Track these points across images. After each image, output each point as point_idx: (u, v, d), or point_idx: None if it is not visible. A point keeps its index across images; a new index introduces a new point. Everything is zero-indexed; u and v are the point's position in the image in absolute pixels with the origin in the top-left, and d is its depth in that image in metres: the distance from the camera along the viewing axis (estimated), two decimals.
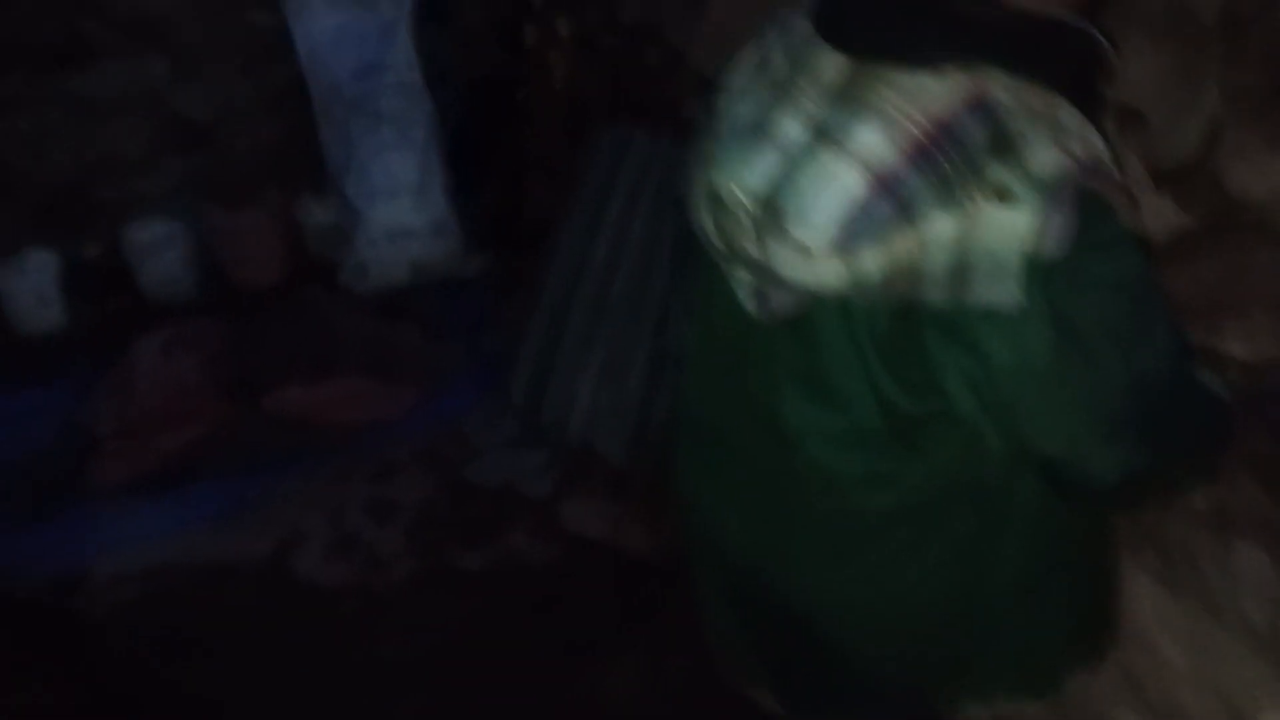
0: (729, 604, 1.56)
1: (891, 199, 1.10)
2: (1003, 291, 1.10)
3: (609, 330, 2.96)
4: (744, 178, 1.22)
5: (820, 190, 1.14)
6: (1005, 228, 1.08)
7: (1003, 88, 1.11)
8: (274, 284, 3.99)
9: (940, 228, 1.09)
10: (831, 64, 1.18)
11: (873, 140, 1.11)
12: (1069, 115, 1.12)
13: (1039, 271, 1.08)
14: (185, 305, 3.94)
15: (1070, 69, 1.16)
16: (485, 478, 2.90)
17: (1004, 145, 1.08)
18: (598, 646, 2.30)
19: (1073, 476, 1.23)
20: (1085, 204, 1.08)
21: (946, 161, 1.09)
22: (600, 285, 3.02)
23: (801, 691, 1.54)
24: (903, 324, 1.17)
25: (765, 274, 1.23)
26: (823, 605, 1.41)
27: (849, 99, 1.15)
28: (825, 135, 1.15)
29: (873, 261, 1.13)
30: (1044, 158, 1.07)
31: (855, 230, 1.12)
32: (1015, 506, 1.31)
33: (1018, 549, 1.34)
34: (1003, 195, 1.07)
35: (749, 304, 1.28)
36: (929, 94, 1.11)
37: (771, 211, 1.18)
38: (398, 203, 3.71)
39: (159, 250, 3.94)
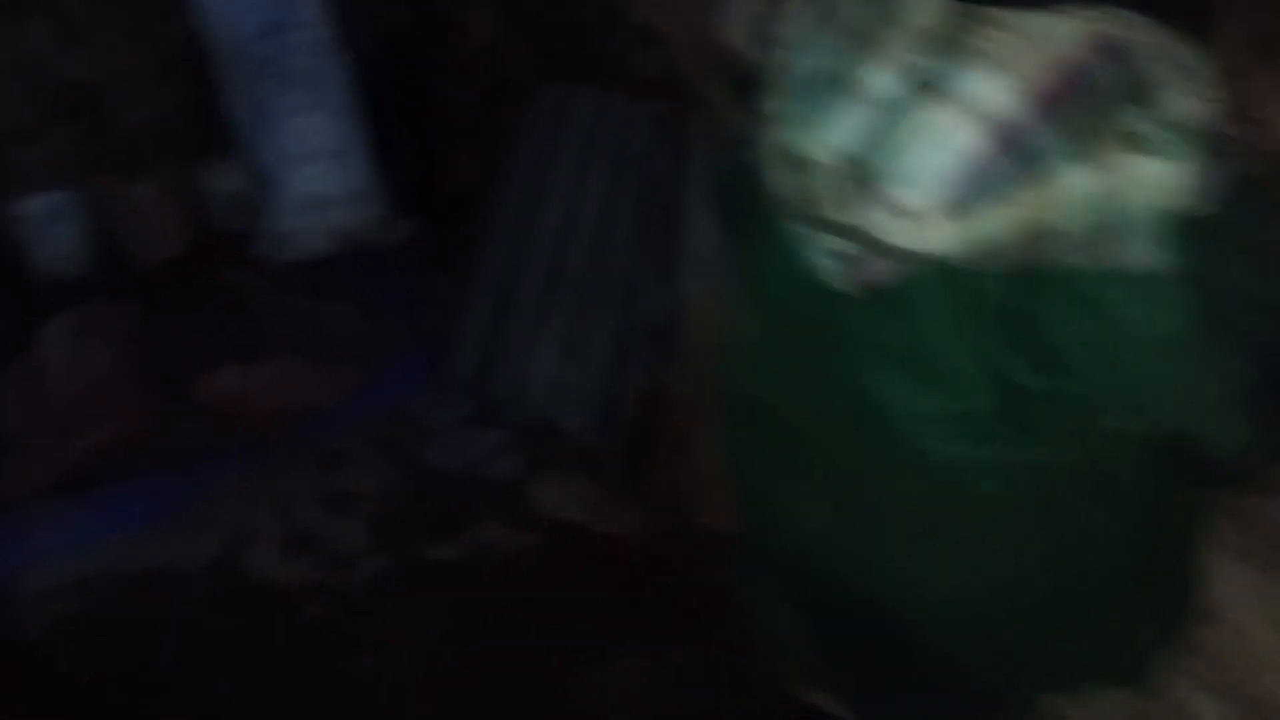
0: (795, 603, 1.43)
1: (1016, 154, 0.99)
2: (1142, 251, 1.00)
3: (566, 301, 2.78)
4: (827, 136, 1.09)
5: (927, 146, 1.02)
6: (1146, 181, 0.98)
7: (1129, 28, 1.00)
8: (178, 257, 3.67)
9: (1074, 183, 0.99)
10: (926, 7, 1.06)
11: (989, 90, 1.00)
12: (1195, 59, 1.01)
13: (1182, 228, 0.99)
14: (83, 284, 3.58)
15: (1185, 9, 1.06)
16: (445, 461, 2.71)
17: (1139, 91, 0.98)
18: (592, 643, 2.15)
19: (1201, 452, 1.14)
20: (1225, 154, 0.99)
21: (1077, 110, 0.98)
22: (552, 254, 2.83)
23: (878, 695, 1.42)
24: (1020, 291, 1.05)
25: (856, 239, 1.09)
26: (913, 601, 1.29)
27: (954, 45, 1.03)
28: (928, 86, 1.03)
29: (994, 223, 1.02)
30: (1183, 104, 0.98)
31: (973, 189, 1.01)
32: (1129, 489, 1.22)
33: (1128, 534, 1.24)
34: (1142, 146, 0.97)
35: (832, 273, 1.14)
36: (1050, 36, 1.00)
37: (864, 171, 1.06)
38: (315, 168, 3.44)
39: (49, 225, 3.58)
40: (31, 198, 3.60)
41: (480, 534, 2.45)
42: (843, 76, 1.11)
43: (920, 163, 1.03)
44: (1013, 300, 1.07)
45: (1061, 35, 1.00)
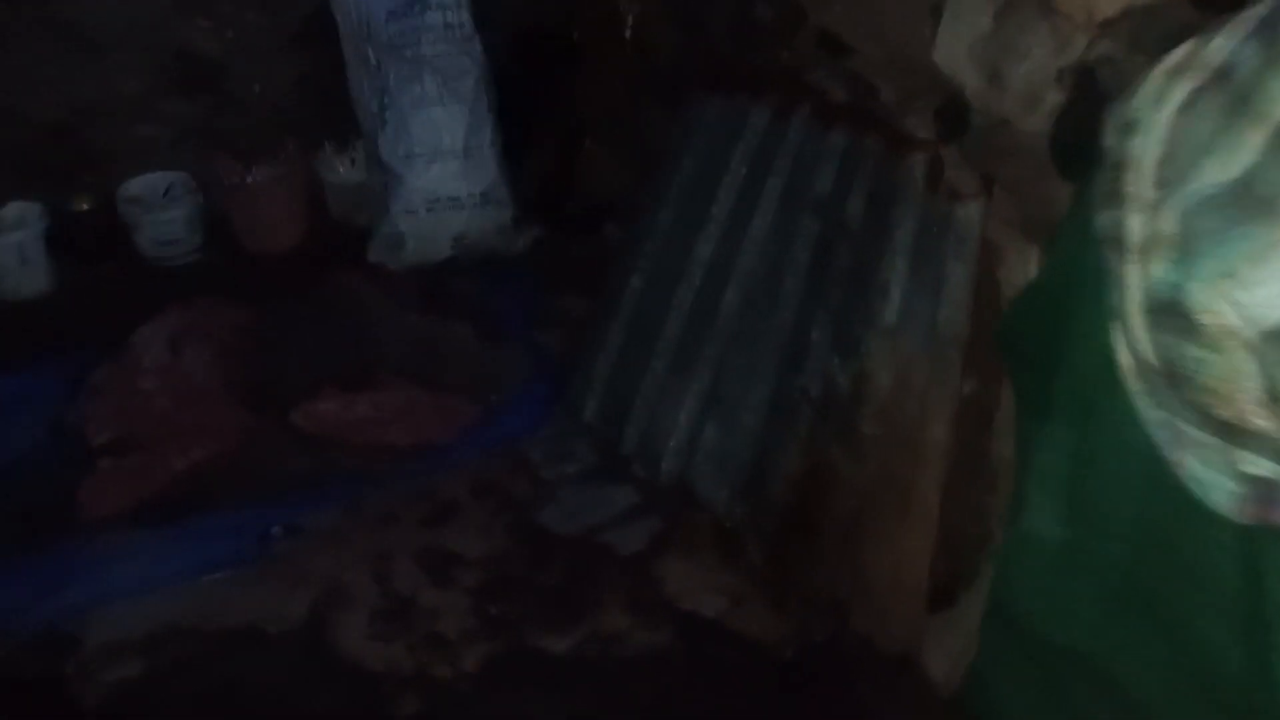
0: None
1: None
2: None
3: (714, 350, 2.38)
4: (1252, 295, 0.67)
5: None
6: None
7: None
8: (289, 252, 3.37)
9: None
10: None
11: None
12: None
13: None
14: (188, 271, 3.33)
15: None
16: (563, 524, 2.35)
17: None
18: None
19: None
20: None
21: None
22: (704, 292, 2.44)
23: None
24: None
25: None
26: None
27: None
28: None
29: None
30: None
31: None
32: None
33: None
34: None
35: (1228, 501, 0.73)
36: None
37: None
38: (440, 165, 3.09)
39: (159, 207, 3.31)
40: (144, 176, 3.33)
41: (602, 623, 2.09)
42: (1259, 185, 0.70)
43: None
44: None
45: None
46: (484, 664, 2.01)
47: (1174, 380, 0.76)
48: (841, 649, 2.02)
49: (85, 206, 3.31)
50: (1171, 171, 0.78)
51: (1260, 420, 0.71)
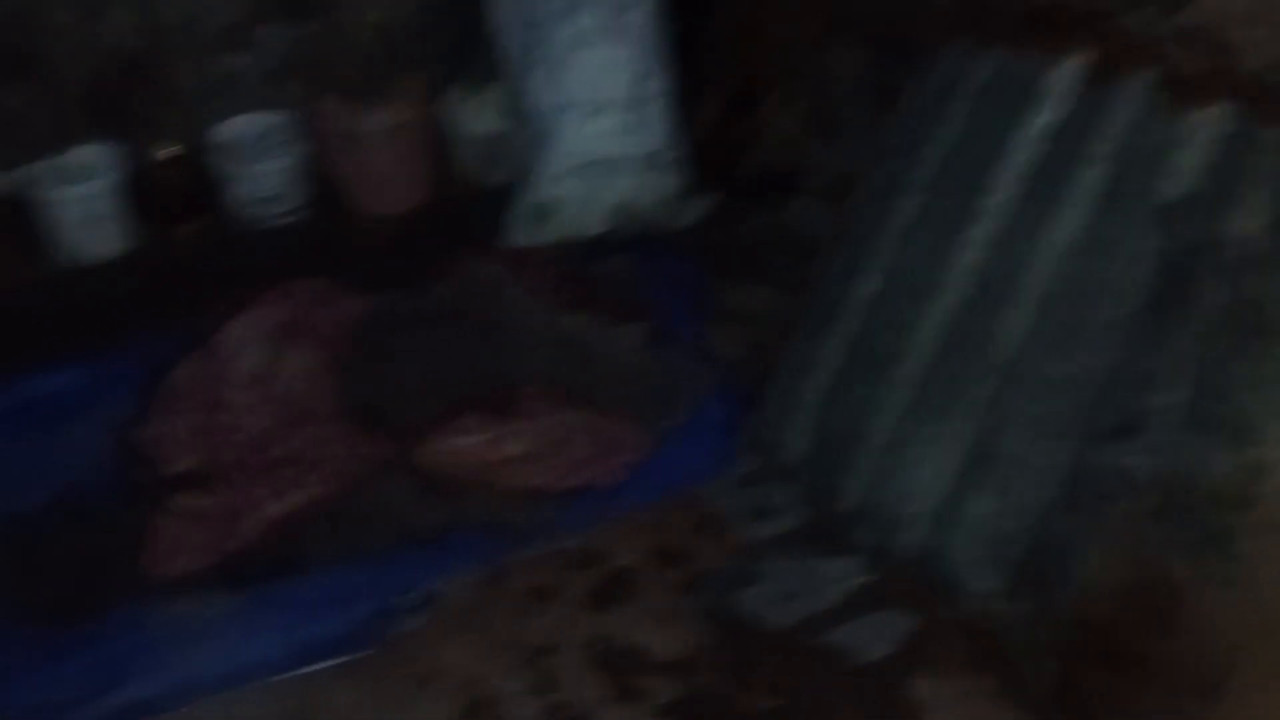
0: None
1: None
2: None
3: (984, 391, 1.75)
4: None
5: None
6: None
7: None
8: (407, 215, 2.80)
9: None
10: None
11: None
12: None
13: None
14: (287, 235, 2.77)
15: None
16: (772, 612, 1.75)
17: None
18: None
19: None
20: None
21: None
22: (970, 312, 1.80)
23: None
24: None
25: None
26: None
27: None
28: None
29: None
30: None
31: None
32: None
33: None
34: None
35: None
36: None
37: None
38: (603, 120, 2.47)
39: (254, 156, 2.74)
40: (237, 120, 2.77)
41: None
42: None
43: None
44: None
45: None
46: None
47: None
48: None
49: (167, 154, 2.76)
50: None
51: None
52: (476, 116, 2.83)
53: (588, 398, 2.06)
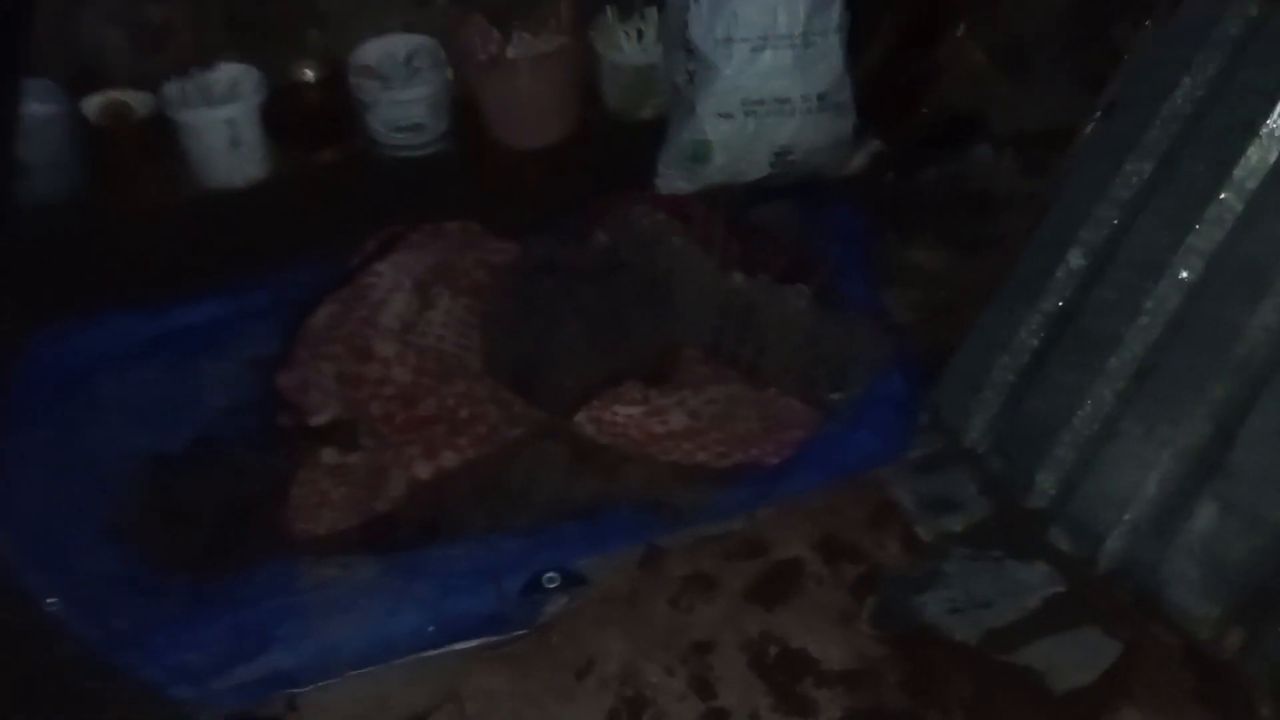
0: None
1: None
2: None
3: (1224, 392, 1.53)
4: None
5: None
6: None
7: None
8: (551, 147, 2.64)
9: None
10: None
11: None
12: None
13: None
14: (427, 165, 2.65)
15: None
16: (956, 623, 1.58)
17: None
18: None
19: None
20: None
21: None
22: (1206, 299, 1.57)
23: None
24: None
25: None
26: None
27: None
28: None
29: None
30: None
31: None
32: None
33: None
34: None
35: None
36: None
37: None
38: (773, 56, 2.26)
39: (399, 82, 2.60)
40: (381, 42, 2.63)
41: None
42: None
43: None
44: None
45: None
46: None
47: None
48: None
49: (308, 76, 2.63)
50: None
51: None
52: (628, 45, 2.64)
53: (753, 365, 1.89)
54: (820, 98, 2.32)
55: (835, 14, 2.29)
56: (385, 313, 1.83)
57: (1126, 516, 1.61)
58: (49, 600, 1.65)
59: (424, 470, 1.71)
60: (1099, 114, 1.91)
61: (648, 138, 2.54)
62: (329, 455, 1.76)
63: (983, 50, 2.50)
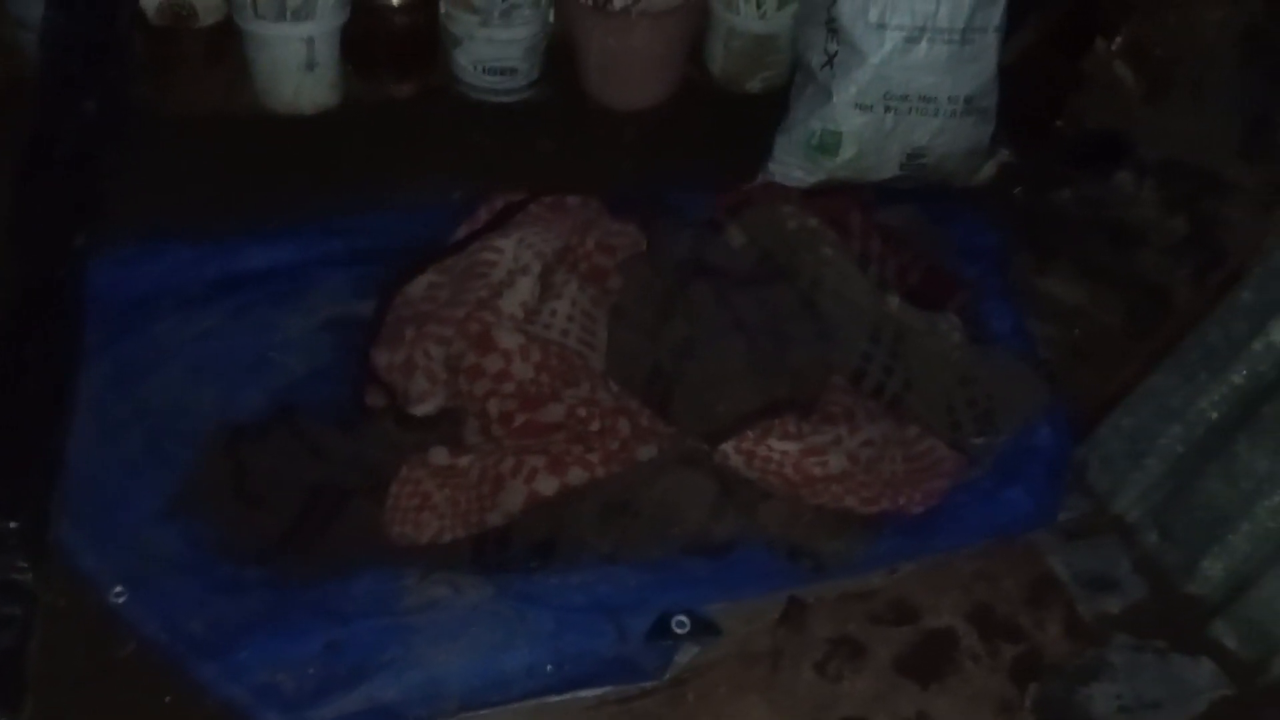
0: None
1: None
2: None
3: None
4: None
5: None
6: None
7: None
8: (647, 111, 2.42)
9: None
10: None
11: None
12: None
13: None
14: (516, 113, 2.42)
15: None
16: None
17: None
18: None
19: None
20: None
21: None
22: None
23: None
24: None
25: None
26: None
27: None
28: None
29: None
30: None
31: None
32: None
33: None
34: None
35: None
36: None
37: None
38: (927, 50, 2.06)
39: (495, 15, 2.34)
40: None
41: None
42: None
43: None
44: None
45: None
46: None
47: None
48: None
49: (396, 1, 2.37)
50: None
51: None
52: (746, 8, 2.41)
53: (897, 398, 1.71)
54: (967, 100, 2.12)
55: (999, 11, 2.09)
56: (509, 298, 1.62)
57: None
58: (115, 590, 1.44)
59: (548, 485, 1.52)
60: None
61: (755, 112, 2.34)
62: (438, 455, 1.55)
63: (1132, 68, 2.30)
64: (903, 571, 1.58)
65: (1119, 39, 2.29)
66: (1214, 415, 1.65)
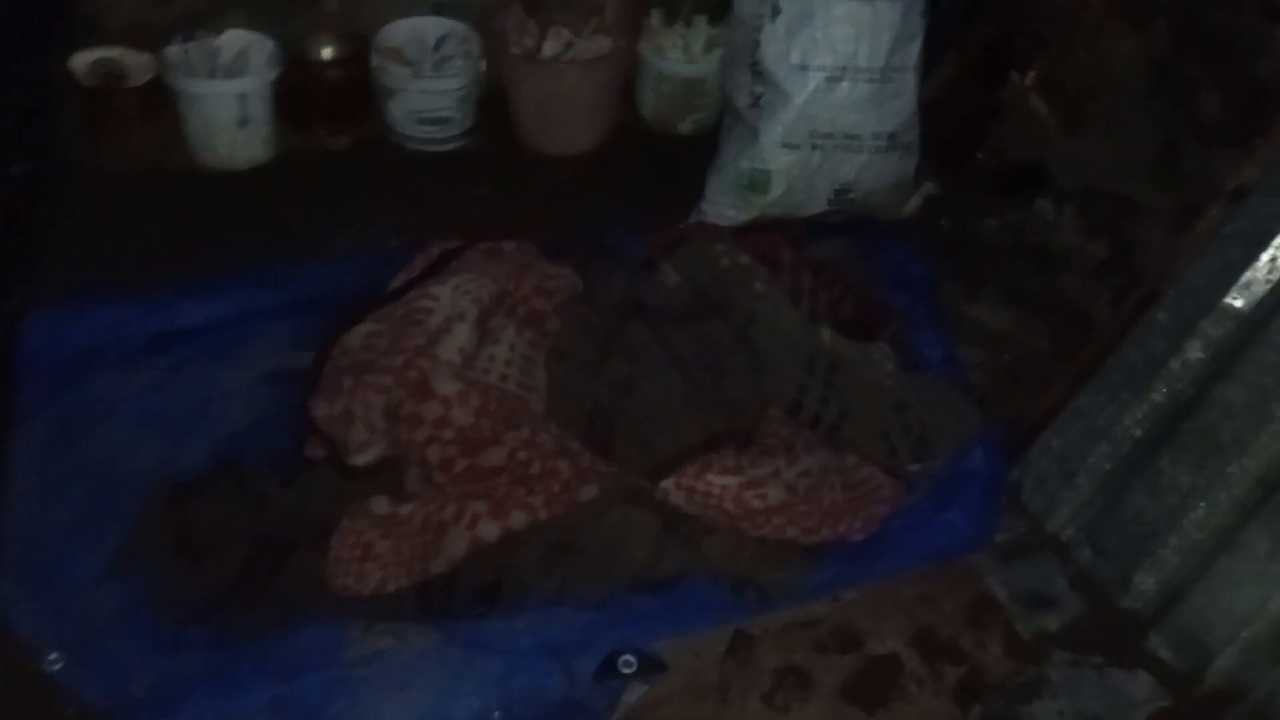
0: None
1: None
2: None
3: None
4: None
5: None
6: None
7: None
8: (581, 156, 2.44)
9: None
10: None
11: None
12: None
13: None
14: (450, 163, 2.42)
15: None
16: None
17: None
18: None
19: None
20: None
21: None
22: None
23: None
24: None
25: None
26: None
27: None
28: None
29: None
30: None
31: None
32: None
33: None
34: None
35: None
36: None
37: None
38: (849, 89, 2.10)
39: (429, 69, 2.36)
40: (410, 23, 2.38)
41: None
42: None
43: None
44: None
45: None
46: None
47: None
48: None
49: (328, 53, 2.38)
50: None
51: None
52: (675, 53, 2.44)
53: (833, 428, 1.73)
54: (891, 136, 2.16)
55: (915, 50, 2.14)
56: (447, 344, 1.61)
57: (1244, 634, 1.50)
58: (50, 657, 1.40)
59: (490, 530, 1.51)
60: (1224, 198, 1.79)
61: (687, 153, 2.37)
62: (379, 504, 1.53)
63: (1047, 100, 2.36)
64: (846, 599, 1.59)
65: (1032, 73, 2.35)
66: (1138, 433, 1.68)
